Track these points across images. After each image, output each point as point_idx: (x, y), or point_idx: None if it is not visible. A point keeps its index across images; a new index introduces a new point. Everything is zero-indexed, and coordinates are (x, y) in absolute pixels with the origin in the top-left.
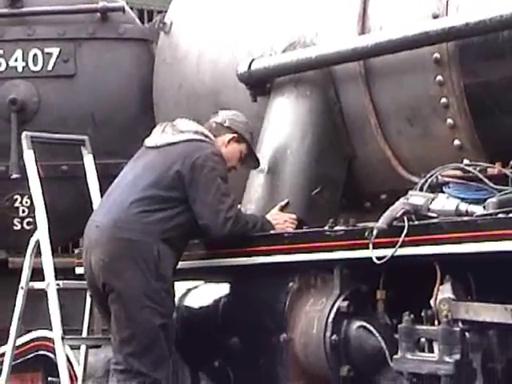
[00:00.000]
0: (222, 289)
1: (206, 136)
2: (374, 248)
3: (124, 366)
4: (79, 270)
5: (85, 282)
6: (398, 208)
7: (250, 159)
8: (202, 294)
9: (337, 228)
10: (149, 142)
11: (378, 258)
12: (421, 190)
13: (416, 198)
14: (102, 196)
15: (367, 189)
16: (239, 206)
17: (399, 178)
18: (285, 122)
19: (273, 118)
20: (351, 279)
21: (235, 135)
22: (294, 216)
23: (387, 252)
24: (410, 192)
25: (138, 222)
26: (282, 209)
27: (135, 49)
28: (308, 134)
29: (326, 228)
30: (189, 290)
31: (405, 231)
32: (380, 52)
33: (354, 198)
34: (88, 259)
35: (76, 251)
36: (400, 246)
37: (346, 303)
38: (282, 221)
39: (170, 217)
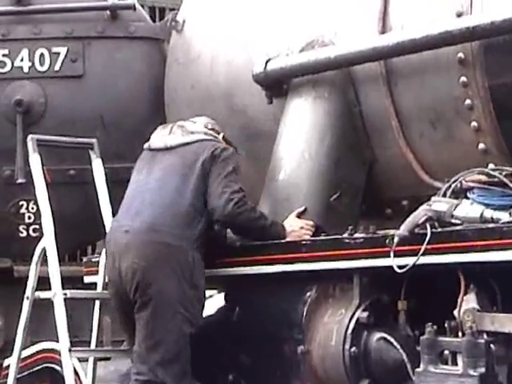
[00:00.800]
0: (236, 298)
1: (216, 136)
2: (395, 256)
3: (148, 377)
4: (88, 279)
5: (93, 292)
6: (420, 214)
7: None
8: (215, 304)
9: (356, 235)
10: (155, 143)
11: (400, 267)
12: (444, 195)
13: (439, 204)
14: (111, 202)
15: (388, 194)
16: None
17: (421, 183)
18: (302, 125)
19: (290, 120)
20: (371, 289)
21: (222, 134)
22: (311, 223)
23: (409, 260)
24: (433, 198)
25: (176, 227)
26: (299, 215)
27: (146, 48)
28: (326, 137)
29: (345, 235)
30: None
31: (427, 239)
32: (402, 52)
33: (375, 203)
34: (116, 265)
35: (84, 259)
36: (422, 254)
37: (365, 314)
38: (298, 228)
39: (202, 216)
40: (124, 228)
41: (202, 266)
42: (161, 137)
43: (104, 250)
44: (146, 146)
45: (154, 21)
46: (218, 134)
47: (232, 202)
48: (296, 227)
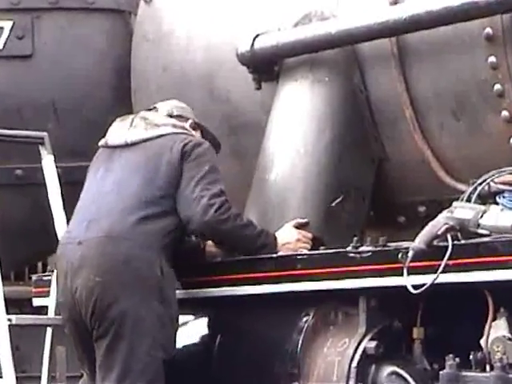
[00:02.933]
0: (217, 325)
1: (186, 129)
2: (409, 274)
3: None
4: (37, 302)
5: (44, 317)
6: (439, 223)
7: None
8: (192, 332)
9: (363, 248)
10: (113, 139)
11: (415, 287)
12: (468, 200)
13: (463, 210)
14: (65, 207)
15: (401, 199)
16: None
17: (441, 185)
18: (297, 115)
19: (282, 109)
20: (380, 313)
21: (191, 121)
22: (309, 235)
23: (426, 279)
24: (455, 203)
25: (137, 233)
26: (298, 227)
27: (108, 22)
28: (326, 130)
29: (350, 248)
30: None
31: (448, 253)
32: (417, 26)
33: (385, 210)
34: (69, 284)
35: (33, 278)
36: (442, 272)
37: (373, 344)
38: (293, 240)
39: (172, 223)
40: (77, 239)
41: (174, 280)
42: (120, 131)
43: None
44: (102, 142)
45: None
46: (187, 120)
47: (212, 207)
48: (291, 239)
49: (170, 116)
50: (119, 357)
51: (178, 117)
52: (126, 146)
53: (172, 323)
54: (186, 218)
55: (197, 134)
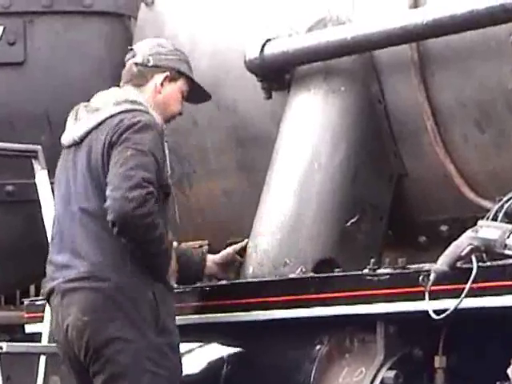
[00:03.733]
0: (224, 353)
1: (133, 101)
2: (431, 298)
3: None
4: (30, 328)
5: (37, 344)
6: (463, 244)
7: (194, 94)
8: (197, 361)
9: (380, 271)
10: (66, 139)
11: (437, 312)
12: (495, 219)
13: (488, 230)
14: None
15: (422, 217)
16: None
17: (465, 202)
18: (310, 127)
19: (293, 120)
20: (400, 341)
21: (167, 73)
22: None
23: (449, 304)
24: (481, 222)
25: (119, 259)
26: (241, 253)
27: (106, 26)
28: (342, 144)
29: (366, 271)
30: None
31: (473, 275)
32: (440, 31)
33: (404, 229)
34: (60, 321)
35: (26, 302)
36: (466, 296)
37: (392, 373)
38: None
39: None
40: (62, 275)
41: (171, 302)
42: (69, 127)
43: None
44: (61, 139)
45: None
46: (143, 85)
47: (134, 200)
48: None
49: (146, 66)
50: None
51: (155, 67)
52: (76, 144)
53: (174, 352)
54: (106, 206)
55: (168, 87)
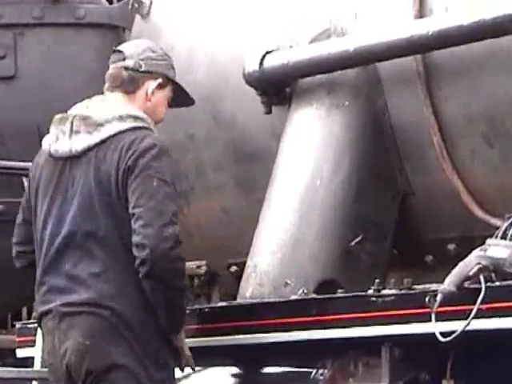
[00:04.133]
0: (222, 379)
1: (136, 118)
2: (438, 320)
3: None
4: (21, 353)
5: (29, 370)
6: (471, 263)
7: (178, 98)
8: None
9: (385, 292)
10: (55, 147)
11: (444, 335)
12: (504, 237)
13: (497, 248)
14: None
15: (428, 236)
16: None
17: (473, 219)
18: (312, 143)
19: (294, 136)
20: (406, 364)
21: (160, 80)
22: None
23: (456, 326)
24: (489, 240)
25: (120, 289)
26: None
27: (99, 38)
28: (345, 160)
29: (371, 292)
30: (178, 380)
31: (481, 296)
32: (446, 43)
33: (410, 248)
34: (57, 345)
35: (17, 325)
36: (474, 317)
37: None
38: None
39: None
40: (59, 299)
41: (171, 338)
42: (61, 136)
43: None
44: (44, 145)
45: (111, 2)
46: (133, 92)
47: (170, 240)
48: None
49: (137, 72)
50: None
51: (147, 73)
52: (73, 157)
53: None
54: (138, 243)
55: (157, 95)
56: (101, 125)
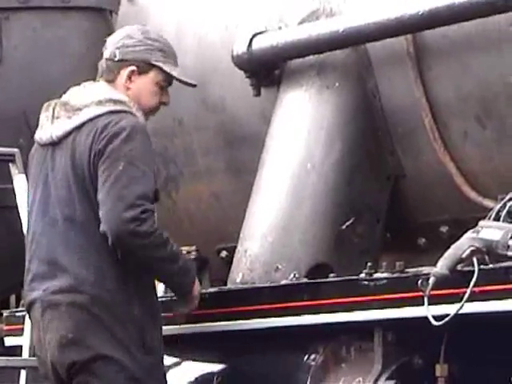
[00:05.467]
0: (213, 365)
1: (116, 101)
2: (430, 304)
3: None
4: (9, 341)
5: (17, 358)
6: (464, 246)
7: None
8: (185, 373)
9: (377, 275)
10: (42, 135)
11: (437, 318)
12: (497, 219)
13: (490, 230)
14: None
15: (421, 218)
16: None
17: (466, 202)
18: (302, 126)
19: (284, 118)
20: (399, 348)
21: (133, 68)
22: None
23: (449, 309)
24: (482, 222)
25: (100, 272)
26: None
27: (86, 22)
28: (336, 142)
29: (363, 276)
30: (168, 368)
31: (474, 279)
32: (437, 22)
33: (402, 231)
34: (42, 337)
35: (4, 314)
36: (467, 301)
37: (391, 383)
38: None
39: None
40: (41, 286)
41: (158, 320)
42: (46, 124)
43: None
44: (36, 135)
45: None
46: (114, 80)
47: (131, 222)
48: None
49: (113, 61)
50: None
51: (121, 61)
52: (54, 143)
53: (159, 370)
54: (103, 231)
55: (138, 81)
56: (79, 109)
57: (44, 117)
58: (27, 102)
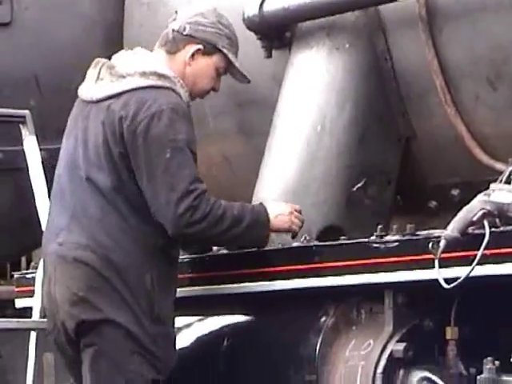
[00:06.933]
0: (223, 327)
1: (161, 76)
2: (441, 266)
3: None
4: (20, 303)
5: (28, 320)
6: (475, 208)
7: (234, 74)
8: (195, 335)
9: (388, 238)
10: (84, 92)
11: (448, 281)
12: (508, 182)
13: (501, 193)
14: (49, 194)
15: (432, 181)
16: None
17: (477, 164)
18: (313, 87)
19: (295, 80)
20: (409, 311)
21: (200, 46)
22: (298, 208)
23: (460, 272)
24: (493, 185)
25: (121, 237)
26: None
27: None
28: (347, 104)
29: (373, 238)
30: (178, 330)
31: (485, 241)
32: None
33: (413, 194)
34: (52, 291)
35: (15, 276)
36: (478, 263)
37: (402, 346)
38: (286, 212)
39: (151, 217)
40: (58, 239)
41: (170, 290)
42: (89, 82)
43: (41, 263)
44: (79, 89)
45: None
46: (175, 52)
47: (183, 219)
48: (284, 211)
49: (180, 34)
50: (105, 374)
51: (189, 37)
52: (92, 102)
53: (168, 342)
54: (161, 223)
55: (200, 61)
56: (122, 76)
57: (90, 73)
58: (38, 64)
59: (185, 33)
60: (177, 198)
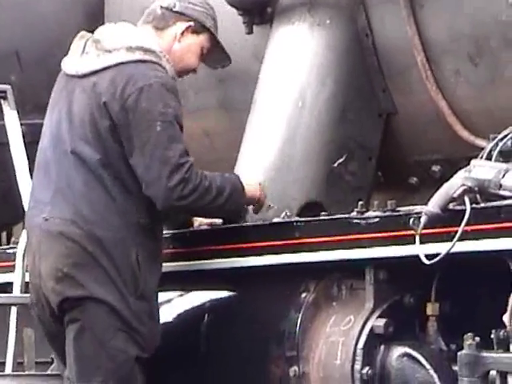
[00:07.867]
0: (204, 302)
1: (147, 50)
2: (422, 242)
3: None
4: (1, 278)
5: (9, 295)
6: (456, 185)
7: (215, 55)
8: (176, 310)
9: (369, 214)
10: (68, 66)
11: (429, 257)
12: (489, 158)
13: (482, 169)
14: (31, 169)
15: (413, 157)
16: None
17: (458, 141)
18: (294, 63)
19: (276, 56)
20: (390, 287)
21: (191, 23)
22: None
23: (441, 248)
24: (474, 161)
25: (107, 212)
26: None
27: None
28: (327, 80)
29: (354, 214)
30: (159, 305)
31: (466, 218)
32: None
33: (394, 170)
34: (37, 266)
35: None
36: (459, 239)
37: (382, 322)
38: (253, 182)
39: (137, 192)
40: (43, 213)
41: (155, 268)
42: (74, 56)
43: (22, 237)
44: (63, 62)
45: None
46: (163, 28)
47: (175, 192)
48: (251, 181)
49: (170, 11)
50: (89, 350)
51: (179, 14)
52: (77, 77)
53: (152, 319)
54: (146, 198)
55: (188, 38)
56: (108, 51)
57: (75, 47)
58: (19, 39)
59: (174, 9)
60: (169, 171)
